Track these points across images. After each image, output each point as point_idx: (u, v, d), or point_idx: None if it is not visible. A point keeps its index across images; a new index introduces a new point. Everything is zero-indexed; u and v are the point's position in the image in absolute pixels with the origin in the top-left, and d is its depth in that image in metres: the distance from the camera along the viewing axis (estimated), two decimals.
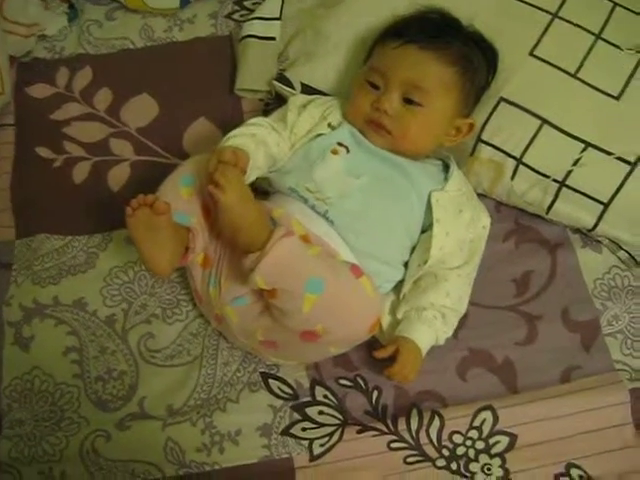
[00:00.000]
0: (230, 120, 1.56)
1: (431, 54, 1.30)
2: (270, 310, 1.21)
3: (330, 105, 1.41)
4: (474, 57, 1.35)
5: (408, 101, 1.31)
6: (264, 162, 1.29)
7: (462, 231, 1.33)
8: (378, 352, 1.28)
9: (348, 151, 1.34)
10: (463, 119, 1.37)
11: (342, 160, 1.33)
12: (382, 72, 1.32)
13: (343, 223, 1.28)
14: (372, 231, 1.29)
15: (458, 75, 1.32)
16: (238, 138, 1.28)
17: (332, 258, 1.22)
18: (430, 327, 1.30)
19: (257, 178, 1.31)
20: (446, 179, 1.35)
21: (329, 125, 1.38)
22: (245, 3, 1.76)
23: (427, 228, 1.33)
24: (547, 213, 1.43)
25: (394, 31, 1.35)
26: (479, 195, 1.44)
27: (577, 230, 1.47)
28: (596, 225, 1.41)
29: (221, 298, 1.27)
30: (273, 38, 1.61)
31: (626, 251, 1.44)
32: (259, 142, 1.29)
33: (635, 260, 1.44)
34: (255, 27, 1.62)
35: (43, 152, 1.58)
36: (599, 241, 1.46)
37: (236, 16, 1.75)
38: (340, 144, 1.34)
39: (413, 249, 1.34)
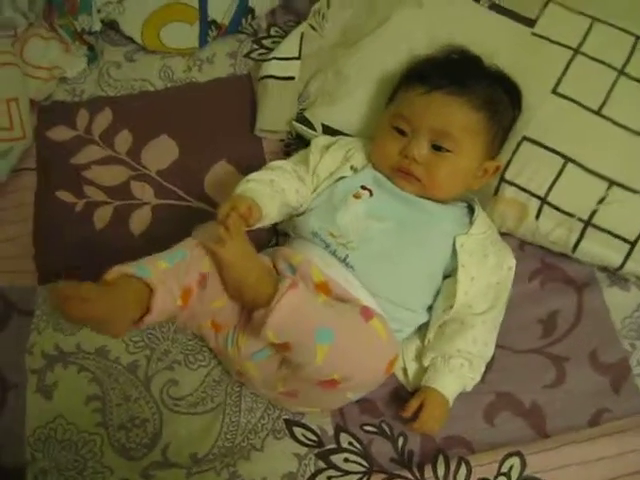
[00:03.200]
0: (251, 161, 1.55)
1: (457, 100, 1.30)
2: (287, 361, 1.20)
3: (353, 147, 1.41)
4: (500, 99, 1.35)
5: (437, 148, 1.30)
6: (278, 212, 1.29)
7: (487, 275, 1.32)
8: (405, 411, 1.27)
9: (371, 194, 1.33)
10: (490, 161, 1.36)
11: (365, 204, 1.32)
12: (409, 119, 1.32)
13: (364, 268, 1.26)
14: (393, 276, 1.28)
15: (485, 119, 1.32)
16: (256, 184, 1.28)
17: (341, 303, 1.20)
18: (457, 376, 1.28)
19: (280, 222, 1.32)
20: (471, 222, 1.34)
21: (352, 168, 1.37)
22: (264, 42, 1.76)
23: (451, 273, 1.31)
24: (573, 252, 1.41)
25: (418, 75, 1.35)
26: (503, 234, 1.43)
27: (604, 268, 1.44)
28: (623, 264, 1.38)
29: (240, 355, 1.25)
30: (292, 78, 1.60)
31: None
32: (276, 191, 1.28)
33: None
34: (274, 67, 1.61)
35: (64, 196, 1.58)
36: (627, 279, 1.44)
37: (255, 55, 1.75)
38: (363, 187, 1.34)
39: (437, 292, 1.33)
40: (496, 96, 1.34)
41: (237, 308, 1.25)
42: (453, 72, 1.32)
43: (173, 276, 1.15)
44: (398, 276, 1.28)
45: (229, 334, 1.27)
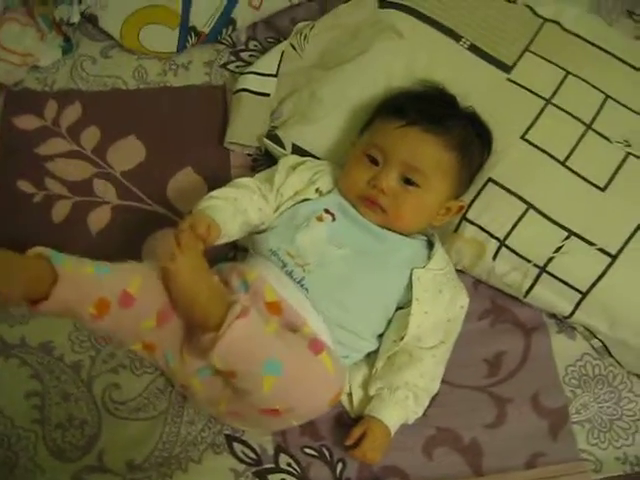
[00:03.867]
0: (217, 173, 1.57)
1: (432, 138, 1.31)
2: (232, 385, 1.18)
3: (320, 170, 1.42)
4: (472, 142, 1.37)
5: (406, 181, 1.32)
6: (238, 230, 1.29)
7: (440, 311, 1.33)
8: (348, 438, 1.27)
9: (334, 219, 1.34)
10: (454, 200, 1.38)
11: (326, 228, 1.33)
12: (383, 150, 1.33)
13: (318, 292, 1.27)
14: (347, 303, 1.28)
15: (457, 160, 1.34)
16: (218, 201, 1.28)
17: (291, 334, 1.20)
18: (402, 407, 1.29)
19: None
20: (429, 257, 1.35)
21: (317, 190, 1.38)
22: (242, 55, 1.76)
23: (405, 305, 1.32)
24: (525, 296, 1.43)
25: (396, 108, 1.36)
26: (458, 271, 1.44)
27: (553, 315, 1.47)
28: (573, 313, 1.41)
29: (185, 370, 1.23)
30: (267, 94, 1.60)
31: (600, 340, 1.44)
32: (238, 210, 1.29)
33: (608, 350, 1.44)
34: (250, 81, 1.61)
35: (24, 186, 1.55)
36: (574, 328, 1.46)
37: (231, 66, 1.75)
38: (327, 211, 1.34)
39: (388, 322, 1.34)
40: (469, 138, 1.36)
41: (173, 327, 1.21)
42: (431, 109, 1.34)
43: (92, 282, 1.13)
44: (351, 303, 1.29)
45: (167, 352, 1.24)
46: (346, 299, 1.28)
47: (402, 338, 1.29)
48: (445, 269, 1.37)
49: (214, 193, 1.30)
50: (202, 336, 1.12)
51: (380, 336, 1.34)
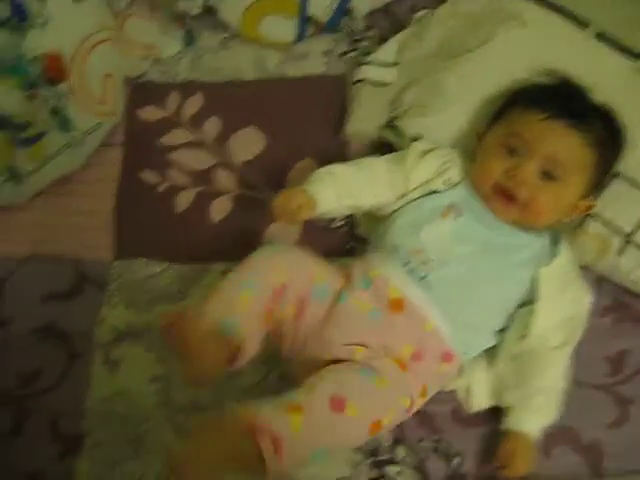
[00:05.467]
0: (336, 162, 1.56)
1: (577, 133, 1.28)
2: None
3: (450, 159, 1.39)
4: (611, 140, 1.34)
5: (546, 175, 1.29)
6: (342, 209, 1.35)
7: (565, 309, 1.30)
8: (496, 460, 1.27)
9: (459, 215, 1.32)
10: (585, 199, 1.35)
11: (451, 224, 1.31)
12: (526, 141, 1.29)
13: (440, 289, 1.26)
14: (469, 300, 1.27)
15: (595, 158, 1.30)
16: (326, 176, 1.33)
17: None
18: (541, 414, 1.27)
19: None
20: (555, 254, 1.33)
21: (446, 182, 1.36)
22: (360, 44, 1.75)
23: (527, 302, 1.30)
24: None
25: (535, 100, 1.33)
26: (581, 267, 1.40)
27: None
28: None
29: None
30: (388, 84, 1.59)
31: None
32: (345, 191, 1.32)
33: None
34: (370, 71, 1.60)
35: (148, 176, 1.61)
36: None
37: (350, 56, 1.74)
38: (452, 206, 1.32)
39: (509, 319, 1.32)
40: (607, 137, 1.33)
41: None
42: (572, 104, 1.31)
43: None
44: (474, 301, 1.28)
45: None
46: (468, 296, 1.27)
47: (525, 336, 1.27)
48: (569, 266, 1.34)
49: (331, 168, 1.34)
50: None
51: (499, 332, 1.33)
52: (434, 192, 1.35)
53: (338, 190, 1.30)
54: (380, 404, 1.18)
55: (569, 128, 1.28)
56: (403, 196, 1.36)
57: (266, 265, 1.25)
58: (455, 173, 1.37)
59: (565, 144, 1.29)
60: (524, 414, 1.27)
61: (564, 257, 1.33)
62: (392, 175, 1.36)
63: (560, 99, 1.32)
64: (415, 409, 1.27)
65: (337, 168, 1.34)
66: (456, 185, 1.36)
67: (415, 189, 1.36)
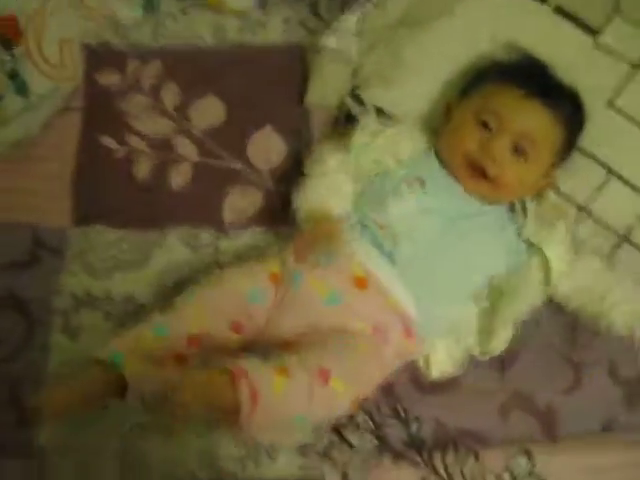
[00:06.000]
0: (297, 131, 1.58)
1: (550, 112, 1.32)
2: None
3: (402, 136, 1.41)
4: (577, 120, 1.37)
5: (517, 151, 1.31)
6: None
7: (564, 237, 1.35)
8: None
9: (423, 187, 1.33)
10: (549, 175, 1.38)
11: (416, 196, 1.33)
12: (500, 116, 1.31)
13: (408, 264, 1.28)
14: (435, 273, 1.30)
15: (564, 136, 1.34)
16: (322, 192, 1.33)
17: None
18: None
19: None
20: (524, 215, 1.37)
21: (397, 159, 1.38)
22: (321, 12, 1.75)
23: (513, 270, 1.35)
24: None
25: (512, 77, 1.35)
26: None
27: None
28: None
29: None
30: (349, 53, 1.59)
31: None
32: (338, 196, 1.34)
33: None
34: (331, 40, 1.59)
35: (107, 142, 1.58)
36: None
37: (310, 24, 1.73)
38: (416, 179, 1.34)
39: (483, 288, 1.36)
40: (575, 116, 1.36)
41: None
42: (548, 83, 1.35)
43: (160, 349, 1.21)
44: (440, 273, 1.30)
45: None
46: (434, 270, 1.30)
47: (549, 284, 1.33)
48: (541, 220, 1.38)
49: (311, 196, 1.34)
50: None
51: (465, 305, 1.36)
52: (390, 170, 1.37)
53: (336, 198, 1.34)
54: (363, 379, 1.21)
55: (542, 106, 1.31)
56: (357, 179, 1.38)
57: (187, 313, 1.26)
58: (407, 149, 1.39)
59: (538, 122, 1.31)
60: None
61: (533, 213, 1.37)
62: (345, 166, 1.37)
63: (533, 77, 1.34)
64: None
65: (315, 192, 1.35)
66: (418, 159, 1.38)
67: (369, 169, 1.38)
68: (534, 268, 1.34)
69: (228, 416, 1.07)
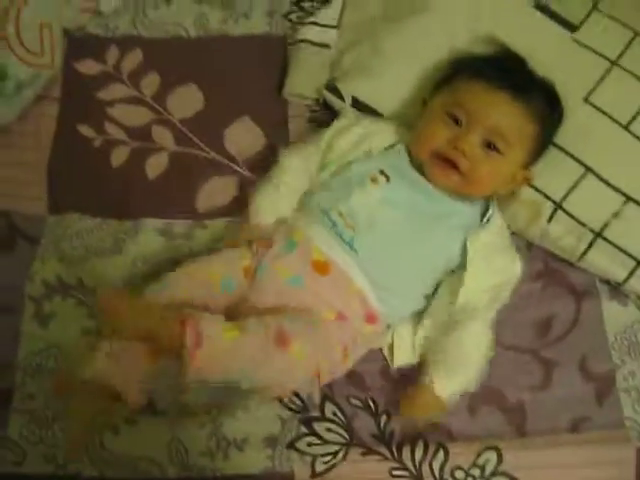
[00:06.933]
0: (274, 123, 1.58)
1: (521, 107, 1.30)
2: None
3: (372, 130, 1.41)
4: (551, 115, 1.36)
5: (488, 146, 1.30)
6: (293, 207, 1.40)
7: (492, 277, 1.33)
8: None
9: (388, 180, 1.33)
10: (523, 170, 1.37)
11: (380, 189, 1.33)
12: (469, 111, 1.30)
13: (367, 253, 1.28)
14: (394, 265, 1.30)
15: (537, 132, 1.33)
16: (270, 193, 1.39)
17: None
18: (457, 383, 1.29)
19: None
20: (487, 221, 1.35)
21: (367, 152, 1.38)
22: (303, 4, 1.75)
23: (456, 268, 1.33)
24: (578, 261, 1.42)
25: (480, 71, 1.33)
26: (512, 234, 1.43)
27: (606, 281, 1.45)
28: (627, 280, 1.39)
29: None
30: (328, 46, 1.60)
31: None
32: (289, 194, 1.39)
33: None
34: (311, 32, 1.61)
35: (84, 130, 1.58)
36: (627, 295, 1.45)
37: (293, 17, 1.74)
38: (381, 172, 1.34)
39: (437, 284, 1.35)
40: (549, 110, 1.35)
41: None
42: (518, 76, 1.33)
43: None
44: (398, 265, 1.30)
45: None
46: (393, 262, 1.29)
47: (453, 303, 1.29)
48: (499, 233, 1.36)
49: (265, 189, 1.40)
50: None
51: (426, 296, 1.35)
52: (358, 161, 1.37)
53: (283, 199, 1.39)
54: (323, 353, 1.22)
55: (513, 100, 1.30)
56: (325, 167, 1.39)
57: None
58: (379, 141, 1.39)
59: (508, 116, 1.30)
60: (440, 379, 1.27)
61: (494, 225, 1.35)
62: (313, 158, 1.40)
63: (504, 71, 1.33)
64: (346, 367, 1.30)
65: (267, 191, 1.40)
66: (388, 153, 1.38)
67: (337, 159, 1.39)
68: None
69: (172, 352, 1.12)
